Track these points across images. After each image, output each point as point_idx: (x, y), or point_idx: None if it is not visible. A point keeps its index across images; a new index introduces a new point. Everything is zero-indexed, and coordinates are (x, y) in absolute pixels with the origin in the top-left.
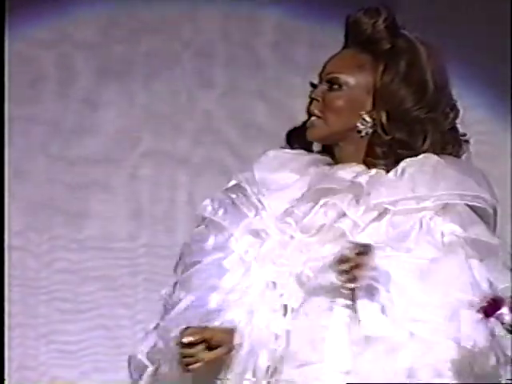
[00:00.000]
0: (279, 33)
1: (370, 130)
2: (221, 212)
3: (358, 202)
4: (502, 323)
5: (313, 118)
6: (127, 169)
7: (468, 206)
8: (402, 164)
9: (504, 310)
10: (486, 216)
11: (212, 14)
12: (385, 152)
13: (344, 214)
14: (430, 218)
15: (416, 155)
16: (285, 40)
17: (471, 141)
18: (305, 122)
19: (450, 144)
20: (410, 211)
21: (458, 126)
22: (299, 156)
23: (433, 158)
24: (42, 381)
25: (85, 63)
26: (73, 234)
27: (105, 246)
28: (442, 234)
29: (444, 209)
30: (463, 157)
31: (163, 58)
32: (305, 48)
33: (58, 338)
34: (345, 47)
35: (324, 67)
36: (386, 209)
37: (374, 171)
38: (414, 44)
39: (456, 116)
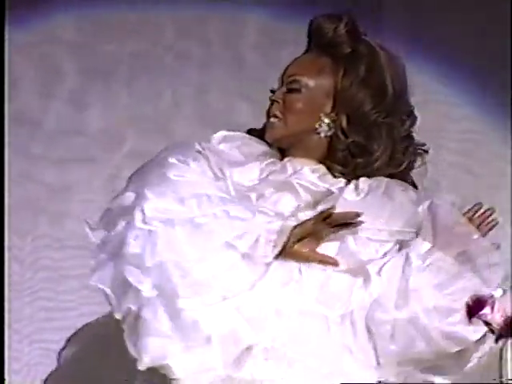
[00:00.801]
0: (262, 34)
1: (329, 133)
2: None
3: (315, 204)
4: (486, 323)
5: (272, 120)
6: (110, 169)
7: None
8: (361, 185)
9: (487, 309)
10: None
11: (194, 16)
12: (344, 156)
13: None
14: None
15: (370, 161)
16: (268, 41)
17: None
18: (265, 125)
19: (400, 152)
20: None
21: (414, 134)
22: (253, 142)
23: (391, 188)
24: (26, 382)
25: (69, 64)
26: (56, 233)
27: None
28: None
29: (396, 245)
30: (418, 166)
31: (147, 60)
32: (290, 49)
33: (42, 337)
34: (307, 51)
35: (285, 70)
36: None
37: (340, 183)
38: (375, 49)
39: (412, 124)
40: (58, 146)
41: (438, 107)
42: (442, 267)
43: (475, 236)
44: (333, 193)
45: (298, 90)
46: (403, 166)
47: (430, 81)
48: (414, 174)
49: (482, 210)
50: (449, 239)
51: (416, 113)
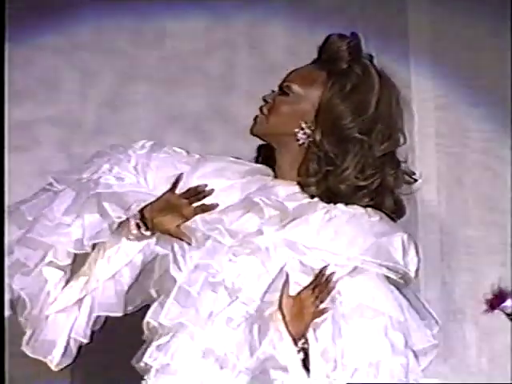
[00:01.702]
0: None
1: (307, 142)
2: None
3: (281, 222)
4: (507, 314)
5: (260, 115)
6: None
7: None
8: (334, 211)
9: (508, 302)
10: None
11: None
12: (315, 170)
13: (262, 232)
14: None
15: (339, 171)
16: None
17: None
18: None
19: (373, 168)
20: (323, 261)
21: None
22: (235, 165)
23: (364, 216)
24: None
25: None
26: None
27: None
28: (384, 331)
29: (355, 270)
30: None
31: (184, 63)
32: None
33: None
34: (313, 62)
35: (285, 77)
36: (299, 248)
37: (307, 200)
38: (369, 71)
39: (391, 146)
40: (97, 146)
41: (460, 109)
42: None
43: None
44: (304, 207)
45: (287, 94)
46: (376, 182)
47: (455, 84)
48: None
49: None
50: None
51: (440, 114)
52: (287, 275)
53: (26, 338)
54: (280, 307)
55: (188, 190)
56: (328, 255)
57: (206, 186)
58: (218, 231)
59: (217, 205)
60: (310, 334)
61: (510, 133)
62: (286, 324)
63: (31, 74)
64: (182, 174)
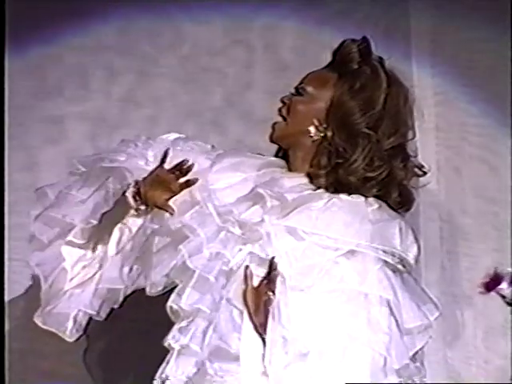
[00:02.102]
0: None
1: (318, 137)
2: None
3: (281, 212)
4: (502, 296)
5: (277, 123)
6: None
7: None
8: (334, 199)
9: (503, 285)
10: (394, 266)
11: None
12: (325, 163)
13: (264, 221)
14: (335, 262)
15: (348, 163)
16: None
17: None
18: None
19: (380, 160)
20: (320, 245)
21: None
22: (252, 159)
23: (361, 204)
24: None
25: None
26: None
27: None
28: (341, 280)
29: (352, 254)
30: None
31: (198, 63)
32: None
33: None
34: (327, 66)
35: (301, 80)
36: (299, 233)
37: (309, 187)
38: (378, 71)
39: (399, 141)
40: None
41: (459, 106)
42: None
43: None
44: (305, 198)
45: (302, 95)
46: (384, 173)
47: (453, 81)
48: None
49: None
50: None
51: (439, 110)
52: (250, 269)
53: (38, 310)
54: (245, 300)
55: (175, 165)
56: (324, 239)
57: (188, 161)
58: (230, 223)
59: (197, 179)
60: (271, 322)
61: (505, 128)
62: (250, 315)
63: (62, 72)
64: (168, 149)
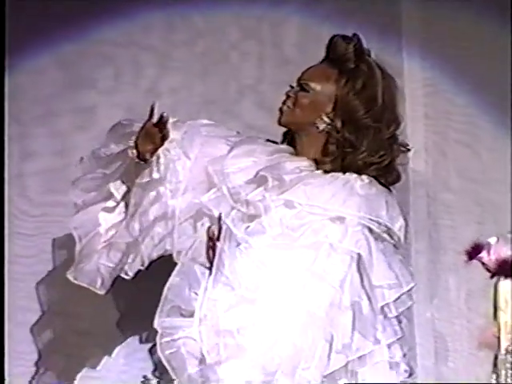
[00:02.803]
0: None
1: (325, 129)
2: None
3: (279, 188)
4: (482, 263)
5: (285, 108)
6: None
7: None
8: (328, 176)
9: (484, 253)
10: (378, 234)
11: (252, 20)
12: (334, 151)
13: (265, 197)
14: (322, 224)
15: (357, 153)
16: (309, 40)
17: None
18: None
19: (385, 149)
20: (311, 212)
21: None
22: (264, 146)
23: (351, 180)
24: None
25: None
26: None
27: None
28: (325, 236)
29: (338, 219)
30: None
31: (214, 58)
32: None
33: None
34: (323, 60)
35: (302, 75)
36: (295, 204)
37: (311, 168)
38: (373, 69)
39: (396, 128)
40: None
41: (444, 96)
42: None
43: None
44: (301, 178)
45: (307, 91)
46: (386, 160)
47: (441, 75)
48: None
49: None
50: None
51: (428, 100)
52: (212, 229)
53: (71, 268)
54: (207, 255)
55: (158, 120)
56: (315, 209)
57: (168, 116)
58: (240, 204)
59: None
60: (214, 269)
61: (486, 116)
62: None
63: (94, 66)
64: (154, 103)
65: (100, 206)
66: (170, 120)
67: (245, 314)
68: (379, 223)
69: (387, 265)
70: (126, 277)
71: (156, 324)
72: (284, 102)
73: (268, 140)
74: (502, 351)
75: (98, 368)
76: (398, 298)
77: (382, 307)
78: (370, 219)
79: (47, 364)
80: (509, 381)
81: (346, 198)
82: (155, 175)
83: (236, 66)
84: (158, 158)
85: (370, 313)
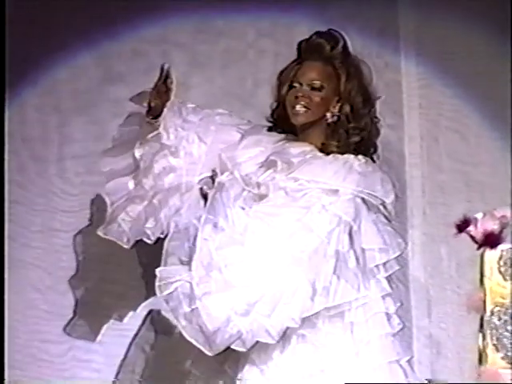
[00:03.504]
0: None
1: (333, 120)
2: None
3: (288, 170)
4: (470, 236)
5: (299, 108)
6: None
7: (361, 199)
8: (329, 157)
9: (471, 227)
10: (375, 207)
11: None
12: (342, 134)
13: (274, 178)
14: (318, 198)
15: (362, 135)
16: None
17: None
18: (284, 113)
19: (375, 128)
20: (314, 185)
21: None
22: (269, 136)
23: (350, 159)
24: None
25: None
26: None
27: None
28: (319, 199)
29: (335, 191)
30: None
31: (234, 56)
32: None
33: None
34: (305, 59)
35: (302, 75)
36: (301, 182)
37: (314, 152)
38: (361, 65)
39: (374, 108)
40: None
41: (436, 88)
42: None
43: None
44: (306, 159)
45: (319, 89)
46: (375, 137)
47: (433, 70)
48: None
49: None
50: None
51: (422, 92)
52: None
53: (101, 227)
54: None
55: (164, 79)
56: (320, 184)
57: (169, 66)
58: (251, 186)
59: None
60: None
61: (473, 106)
62: None
63: (128, 62)
64: (164, 63)
65: (129, 175)
66: (190, 105)
67: (233, 253)
68: (375, 197)
69: (377, 231)
70: (149, 241)
71: (157, 271)
72: (296, 103)
73: (270, 128)
74: (487, 313)
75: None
76: (387, 262)
77: (372, 268)
78: (368, 193)
79: (81, 313)
80: (494, 339)
81: (346, 175)
82: (166, 141)
83: (253, 63)
84: (165, 116)
85: (356, 267)
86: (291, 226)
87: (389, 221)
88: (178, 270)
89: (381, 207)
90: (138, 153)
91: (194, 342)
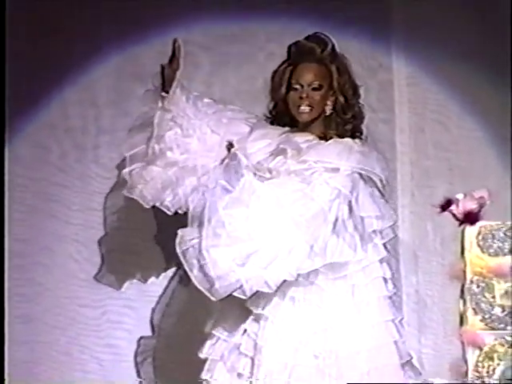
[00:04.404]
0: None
1: (329, 112)
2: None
3: (298, 155)
4: (452, 214)
5: (303, 108)
6: None
7: (359, 174)
8: (332, 141)
9: (453, 206)
10: (372, 182)
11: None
12: (339, 122)
13: (286, 162)
14: (320, 174)
15: (354, 123)
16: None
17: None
18: (285, 110)
19: (363, 113)
20: (320, 165)
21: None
22: (274, 130)
23: (349, 142)
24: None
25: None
26: None
27: None
28: (320, 174)
29: (336, 170)
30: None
31: (247, 57)
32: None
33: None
34: (299, 61)
35: (301, 77)
36: (310, 163)
37: (316, 140)
38: (346, 62)
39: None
40: None
41: (423, 86)
42: None
43: None
44: (312, 145)
45: (319, 89)
46: (363, 119)
47: (421, 70)
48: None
49: None
50: None
51: (411, 89)
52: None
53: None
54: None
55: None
56: (324, 164)
57: (179, 42)
58: (262, 171)
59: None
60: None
61: (455, 101)
62: None
63: (157, 61)
64: (176, 39)
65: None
66: (206, 99)
67: (238, 212)
68: (374, 173)
69: (373, 202)
70: (168, 212)
71: (178, 231)
72: (301, 104)
73: (271, 123)
74: (468, 282)
75: (149, 282)
76: (383, 230)
77: (370, 234)
78: (367, 170)
79: (107, 266)
80: (473, 304)
81: (348, 155)
82: (177, 118)
83: (262, 64)
84: (174, 92)
85: (354, 231)
86: (294, 195)
87: (382, 195)
88: (194, 230)
89: (378, 182)
90: (156, 119)
91: (201, 289)
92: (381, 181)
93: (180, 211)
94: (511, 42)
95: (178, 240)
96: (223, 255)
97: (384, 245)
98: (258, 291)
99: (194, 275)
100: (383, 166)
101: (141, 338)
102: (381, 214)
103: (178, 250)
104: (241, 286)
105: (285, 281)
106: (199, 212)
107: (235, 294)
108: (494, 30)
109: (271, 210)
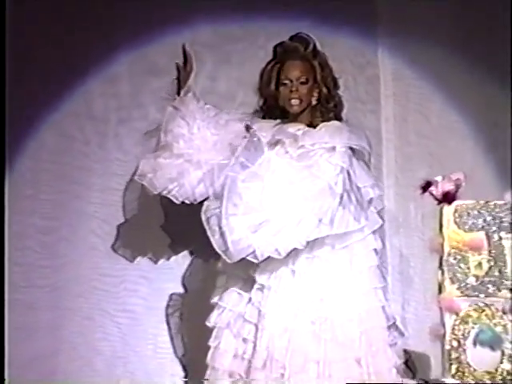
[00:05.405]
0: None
1: (316, 103)
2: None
3: (296, 142)
4: (431, 194)
5: (294, 102)
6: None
7: (351, 149)
8: (322, 125)
9: (433, 187)
10: (362, 154)
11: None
12: (325, 112)
13: (287, 151)
14: (321, 155)
15: (336, 110)
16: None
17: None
18: (275, 104)
19: (342, 102)
20: (317, 147)
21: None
22: (267, 123)
23: (337, 123)
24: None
25: (207, 55)
26: None
27: None
28: (321, 156)
29: (333, 149)
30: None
31: (248, 55)
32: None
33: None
34: (285, 59)
35: (289, 73)
36: (306, 147)
37: (306, 128)
38: (325, 57)
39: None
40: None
41: (406, 81)
42: None
43: None
44: (305, 131)
45: (306, 83)
46: (342, 108)
47: (403, 66)
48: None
49: None
50: None
51: (395, 83)
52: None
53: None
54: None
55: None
56: (320, 145)
57: (188, 48)
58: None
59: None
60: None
61: (436, 94)
62: None
63: (169, 59)
64: (184, 44)
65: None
66: (207, 106)
67: (254, 185)
68: (363, 147)
69: (365, 173)
70: (176, 201)
71: (204, 202)
72: (291, 97)
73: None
74: (445, 254)
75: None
76: (375, 199)
77: (367, 203)
78: (357, 144)
79: (122, 239)
80: (450, 274)
81: (339, 134)
82: (186, 116)
83: (263, 61)
84: (186, 91)
85: (356, 203)
86: (302, 173)
87: (368, 168)
88: (217, 202)
89: (366, 155)
90: (166, 115)
91: (219, 251)
92: (368, 154)
93: (187, 201)
94: (494, 39)
95: (203, 208)
96: (240, 223)
97: (378, 214)
98: (269, 257)
99: (215, 239)
100: (368, 142)
101: (172, 294)
102: (374, 182)
103: (203, 218)
104: (253, 251)
105: (295, 249)
106: (221, 187)
107: (249, 258)
108: (475, 29)
109: (283, 185)
